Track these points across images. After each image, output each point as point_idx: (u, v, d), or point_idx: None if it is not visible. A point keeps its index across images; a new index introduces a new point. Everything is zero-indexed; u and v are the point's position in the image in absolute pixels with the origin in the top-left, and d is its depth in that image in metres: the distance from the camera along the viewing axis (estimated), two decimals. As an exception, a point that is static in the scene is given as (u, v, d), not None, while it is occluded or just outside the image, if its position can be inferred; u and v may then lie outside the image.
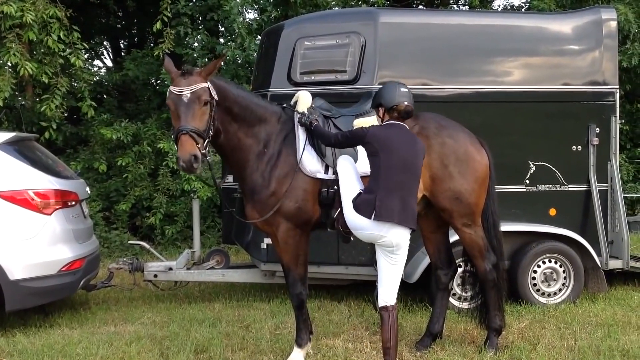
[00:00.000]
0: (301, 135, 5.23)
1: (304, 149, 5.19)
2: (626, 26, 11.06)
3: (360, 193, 4.76)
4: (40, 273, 6.23)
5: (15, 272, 6.12)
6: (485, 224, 5.63)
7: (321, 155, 5.19)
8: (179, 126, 4.61)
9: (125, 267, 7.35)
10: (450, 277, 5.88)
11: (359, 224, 4.69)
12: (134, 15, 15.50)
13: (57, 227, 6.40)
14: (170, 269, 7.34)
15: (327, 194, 5.17)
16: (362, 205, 4.66)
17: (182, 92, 4.64)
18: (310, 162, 5.18)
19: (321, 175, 5.18)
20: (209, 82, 4.78)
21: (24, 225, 6.23)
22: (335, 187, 5.09)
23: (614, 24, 7.39)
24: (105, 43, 16.89)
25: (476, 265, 5.66)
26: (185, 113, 4.61)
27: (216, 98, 4.83)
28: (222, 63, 11.84)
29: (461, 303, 6.90)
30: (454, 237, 6.06)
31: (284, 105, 5.51)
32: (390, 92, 4.90)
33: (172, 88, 4.71)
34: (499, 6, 21.10)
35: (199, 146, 4.59)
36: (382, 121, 4.97)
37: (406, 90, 4.91)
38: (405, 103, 4.83)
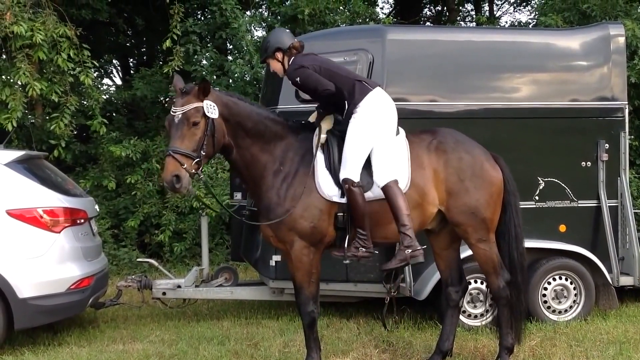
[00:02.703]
0: (319, 156, 5.17)
1: (320, 171, 5.13)
2: (634, 42, 11.05)
3: None
4: (49, 291, 6.23)
5: (24, 290, 6.12)
6: (506, 237, 5.55)
7: (337, 178, 5.11)
8: (166, 148, 4.88)
9: (134, 284, 7.33)
10: (461, 295, 5.81)
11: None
12: (143, 34, 15.64)
13: (66, 245, 6.41)
14: (179, 286, 7.32)
15: (343, 218, 5.12)
16: None
17: (175, 113, 4.83)
18: (327, 185, 5.11)
19: (337, 199, 5.11)
20: (207, 101, 4.87)
21: (33, 243, 6.24)
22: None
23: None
24: (114, 61, 17.03)
25: (489, 282, 5.59)
26: (173, 135, 4.82)
27: (214, 116, 4.87)
28: (230, 80, 11.93)
29: (470, 320, 6.86)
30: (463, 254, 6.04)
31: (303, 122, 5.48)
32: (281, 35, 5.36)
33: (171, 108, 4.90)
34: (506, 22, 21.21)
35: (185, 167, 4.74)
36: (282, 64, 5.31)
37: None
38: (297, 39, 5.33)
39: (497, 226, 5.56)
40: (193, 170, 4.80)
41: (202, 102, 4.84)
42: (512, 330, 5.55)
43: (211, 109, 4.87)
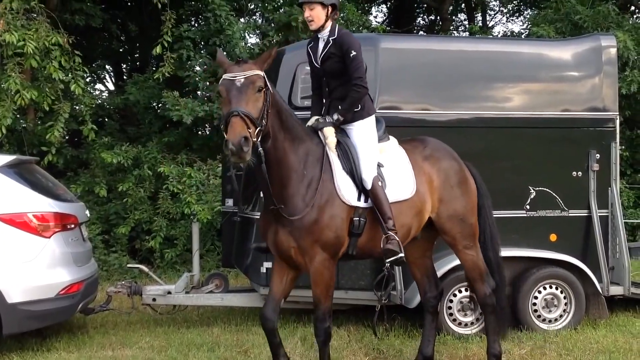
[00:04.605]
0: (335, 160, 5.04)
1: (339, 175, 5.00)
2: (625, 53, 11.13)
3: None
4: (39, 296, 6.19)
5: (13, 295, 6.08)
6: (482, 238, 5.65)
7: (355, 180, 5.04)
8: (229, 109, 4.36)
9: (124, 290, 7.30)
10: (438, 300, 5.88)
11: None
12: (136, 40, 15.63)
13: (56, 250, 6.38)
14: (169, 292, 7.29)
15: (358, 222, 5.00)
16: None
17: (235, 77, 4.44)
18: (347, 189, 4.98)
19: (354, 202, 5.00)
20: (264, 73, 4.55)
21: (23, 248, 6.21)
22: (366, 216, 5.02)
23: (613, 50, 7.43)
24: (107, 67, 17.01)
25: (476, 289, 5.65)
26: (237, 97, 4.38)
27: (272, 90, 4.63)
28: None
29: (461, 328, 6.86)
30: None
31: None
32: None
33: (225, 75, 4.50)
34: (499, 33, 21.32)
35: (250, 131, 4.30)
36: (325, 21, 5.09)
37: None
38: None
39: None
40: (254, 139, 4.37)
41: (262, 72, 4.53)
42: (499, 337, 5.61)
43: (268, 81, 4.57)
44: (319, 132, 5.13)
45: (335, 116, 5.10)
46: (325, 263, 4.91)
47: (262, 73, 4.51)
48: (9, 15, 9.38)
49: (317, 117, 5.25)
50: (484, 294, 5.57)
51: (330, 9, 5.09)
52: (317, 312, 5.00)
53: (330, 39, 5.13)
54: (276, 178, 4.81)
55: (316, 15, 5.08)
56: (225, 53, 12.98)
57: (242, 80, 4.42)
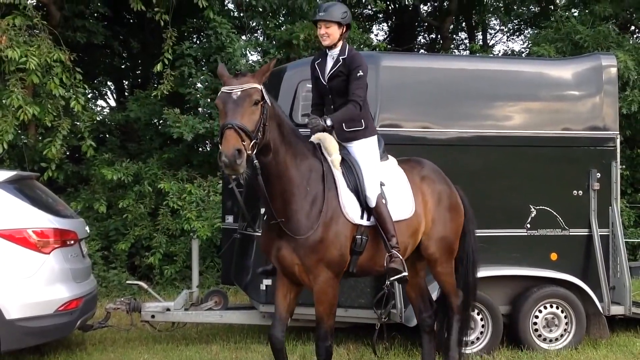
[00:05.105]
0: (339, 177, 5.03)
1: (344, 193, 4.98)
2: (626, 73, 11.17)
3: None
4: (37, 313, 6.16)
5: (12, 312, 6.05)
6: (464, 262, 5.80)
7: (359, 198, 5.03)
8: (224, 122, 4.38)
9: (123, 307, 7.27)
10: (434, 319, 5.90)
11: None
12: (137, 56, 15.70)
13: (56, 267, 6.35)
14: (168, 309, 7.27)
15: (360, 240, 4.99)
16: None
17: (232, 90, 4.46)
18: (351, 207, 4.97)
19: (358, 220, 4.99)
20: (262, 86, 4.55)
21: (22, 264, 6.18)
22: (368, 235, 5.03)
23: (614, 70, 7.45)
24: (109, 83, 17.07)
25: (451, 303, 5.77)
26: (233, 110, 4.39)
27: (269, 103, 4.62)
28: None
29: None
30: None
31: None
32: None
33: (222, 88, 4.54)
34: (500, 51, 21.40)
35: (244, 144, 4.29)
36: (339, 39, 5.17)
37: None
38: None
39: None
40: (249, 151, 4.36)
41: (260, 85, 4.53)
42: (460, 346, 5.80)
43: (267, 95, 4.58)
44: (322, 149, 5.14)
45: (329, 121, 5.02)
46: (330, 282, 4.90)
47: (259, 86, 4.52)
48: (12, 31, 9.45)
49: (312, 115, 5.27)
50: (458, 305, 5.75)
51: (345, 28, 5.20)
52: (320, 330, 4.98)
53: (340, 57, 5.19)
54: (278, 192, 4.79)
55: (332, 33, 5.15)
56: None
57: (239, 93, 4.44)
